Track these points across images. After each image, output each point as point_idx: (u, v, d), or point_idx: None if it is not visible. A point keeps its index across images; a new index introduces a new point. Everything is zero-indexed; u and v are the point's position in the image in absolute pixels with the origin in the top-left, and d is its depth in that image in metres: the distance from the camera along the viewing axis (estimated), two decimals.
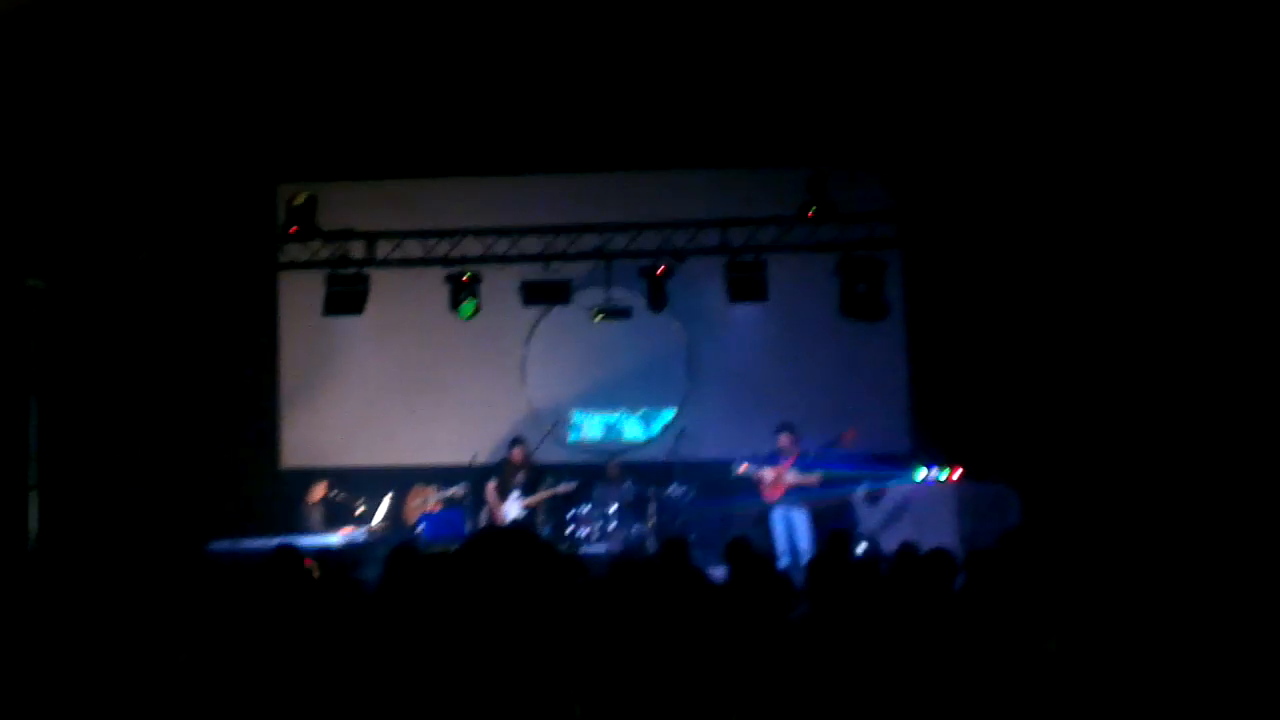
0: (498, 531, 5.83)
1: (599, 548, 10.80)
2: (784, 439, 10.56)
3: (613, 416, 12.48)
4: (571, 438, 12.38)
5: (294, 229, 10.99)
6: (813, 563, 4.77)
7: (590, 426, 12.47)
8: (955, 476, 10.41)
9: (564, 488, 11.12)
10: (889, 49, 10.55)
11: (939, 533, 9.29)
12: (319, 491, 11.06)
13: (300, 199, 10.85)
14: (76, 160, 10.59)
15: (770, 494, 10.54)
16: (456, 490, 11.33)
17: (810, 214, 10.49)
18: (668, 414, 12.35)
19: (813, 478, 10.40)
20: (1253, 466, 9.03)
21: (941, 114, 11.23)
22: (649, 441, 12.30)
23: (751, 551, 6.18)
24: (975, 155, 11.25)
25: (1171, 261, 10.07)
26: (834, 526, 9.76)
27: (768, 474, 10.52)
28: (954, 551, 5.49)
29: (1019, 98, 10.68)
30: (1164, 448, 9.82)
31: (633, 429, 12.47)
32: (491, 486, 11.21)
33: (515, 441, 11.34)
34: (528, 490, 11.11)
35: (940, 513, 10.03)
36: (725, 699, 3.11)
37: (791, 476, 10.43)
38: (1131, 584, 4.85)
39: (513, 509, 11.03)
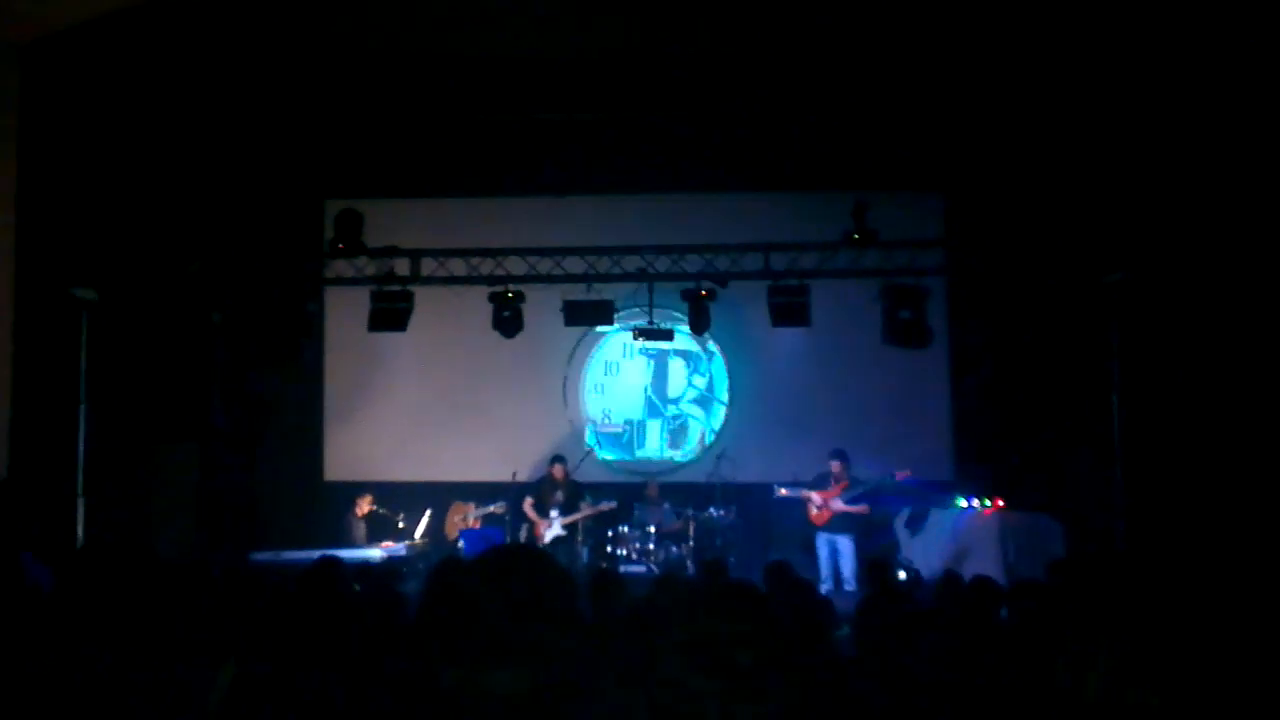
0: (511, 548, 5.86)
1: (638, 567, 10.81)
2: (835, 465, 10.53)
3: (624, 434, 12.54)
4: (608, 455, 12.45)
5: (341, 245, 11.11)
6: (861, 585, 4.75)
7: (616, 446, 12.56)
8: (996, 506, 10.33)
9: (605, 506, 11.14)
10: (933, 75, 10.55)
11: (981, 562, 9.23)
12: (364, 505, 11.14)
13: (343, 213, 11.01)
14: (129, 173, 10.77)
15: (817, 518, 10.51)
16: (497, 507, 11.37)
17: (855, 238, 10.45)
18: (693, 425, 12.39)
19: (861, 508, 10.37)
20: None
21: (988, 141, 11.21)
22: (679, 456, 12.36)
23: (791, 575, 6.15)
24: (1021, 183, 11.20)
25: (1218, 287, 9.95)
26: (875, 553, 9.74)
27: (815, 497, 10.50)
28: (997, 580, 5.45)
29: (1066, 126, 10.63)
30: (1214, 478, 9.67)
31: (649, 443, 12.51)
32: (529, 503, 11.24)
33: (556, 459, 11.38)
34: (567, 508, 11.14)
35: (983, 542, 9.95)
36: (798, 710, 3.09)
37: (839, 504, 10.40)
38: (1178, 619, 4.78)
39: (554, 527, 11.06)
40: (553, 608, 2.91)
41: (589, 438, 12.48)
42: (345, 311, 12.21)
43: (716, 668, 1.83)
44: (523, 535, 11.18)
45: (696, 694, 1.80)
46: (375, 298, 11.37)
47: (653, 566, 10.88)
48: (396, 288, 11.41)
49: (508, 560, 3.02)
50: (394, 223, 11.84)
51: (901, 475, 10.31)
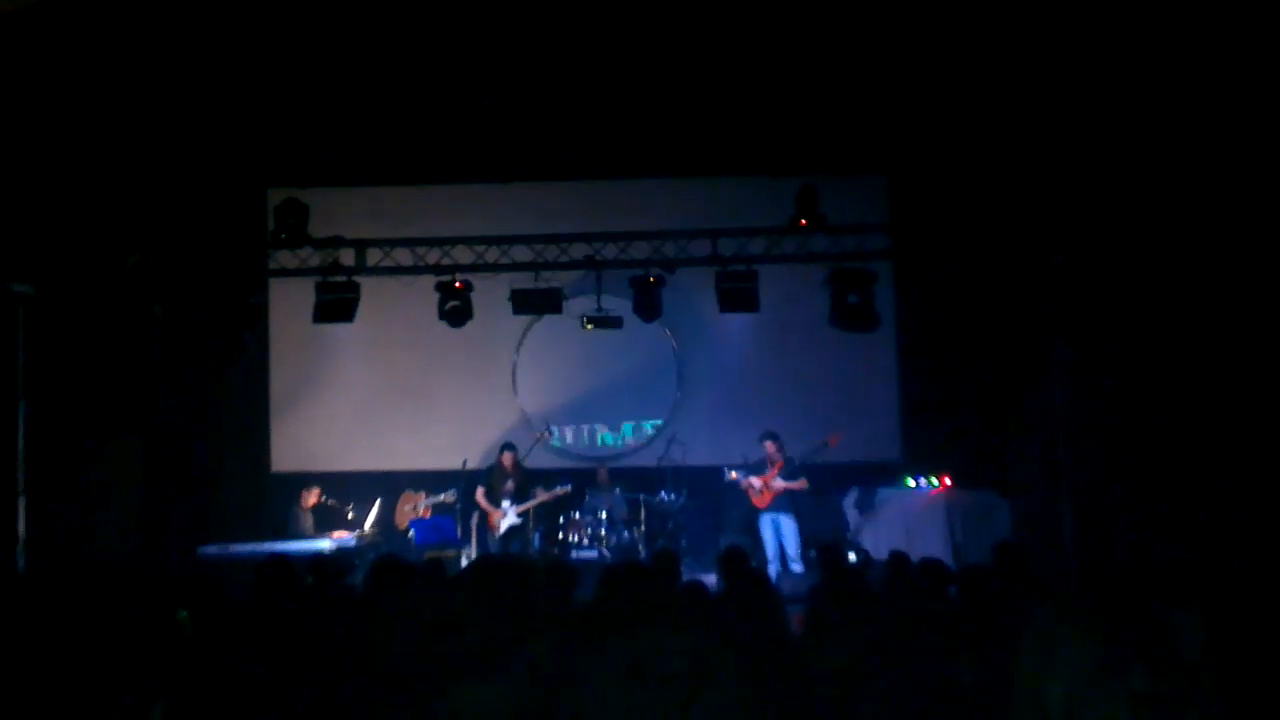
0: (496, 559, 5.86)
1: (590, 553, 10.84)
2: (769, 446, 10.63)
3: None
4: (554, 442, 12.45)
5: (284, 235, 10.97)
6: (809, 566, 4.79)
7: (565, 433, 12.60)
8: (944, 485, 10.47)
9: (560, 491, 11.15)
10: (881, 60, 10.60)
11: (929, 540, 9.37)
12: (311, 497, 11.05)
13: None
14: (65, 164, 10.55)
15: (759, 501, 10.60)
16: (447, 496, 11.33)
17: (802, 224, 10.51)
18: (646, 425, 12.47)
19: (800, 483, 10.47)
20: (1250, 476, 9.08)
21: (933, 125, 11.29)
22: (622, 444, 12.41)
23: (744, 562, 6.19)
24: (967, 167, 11.31)
25: (1161, 270, 10.12)
26: (825, 534, 9.85)
27: (755, 482, 10.59)
28: (944, 560, 5.53)
29: (1010, 109, 10.74)
30: (1152, 456, 9.86)
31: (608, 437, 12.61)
32: (481, 493, 11.22)
33: (505, 447, 11.36)
34: (519, 496, 11.12)
35: (930, 521, 10.09)
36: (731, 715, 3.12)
37: (779, 483, 10.49)
38: (1122, 589, 4.88)
39: (508, 516, 11.04)
40: (539, 623, 2.92)
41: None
42: (290, 303, 12.09)
43: (647, 681, 1.84)
44: (474, 524, 11.16)
45: (626, 709, 1.82)
46: (320, 289, 11.25)
47: (605, 552, 10.91)
48: (342, 279, 11.31)
49: (496, 574, 3.03)
50: (338, 212, 11.76)
51: (833, 440, 10.41)
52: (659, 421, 12.43)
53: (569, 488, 11.23)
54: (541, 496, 11.15)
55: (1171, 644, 1.72)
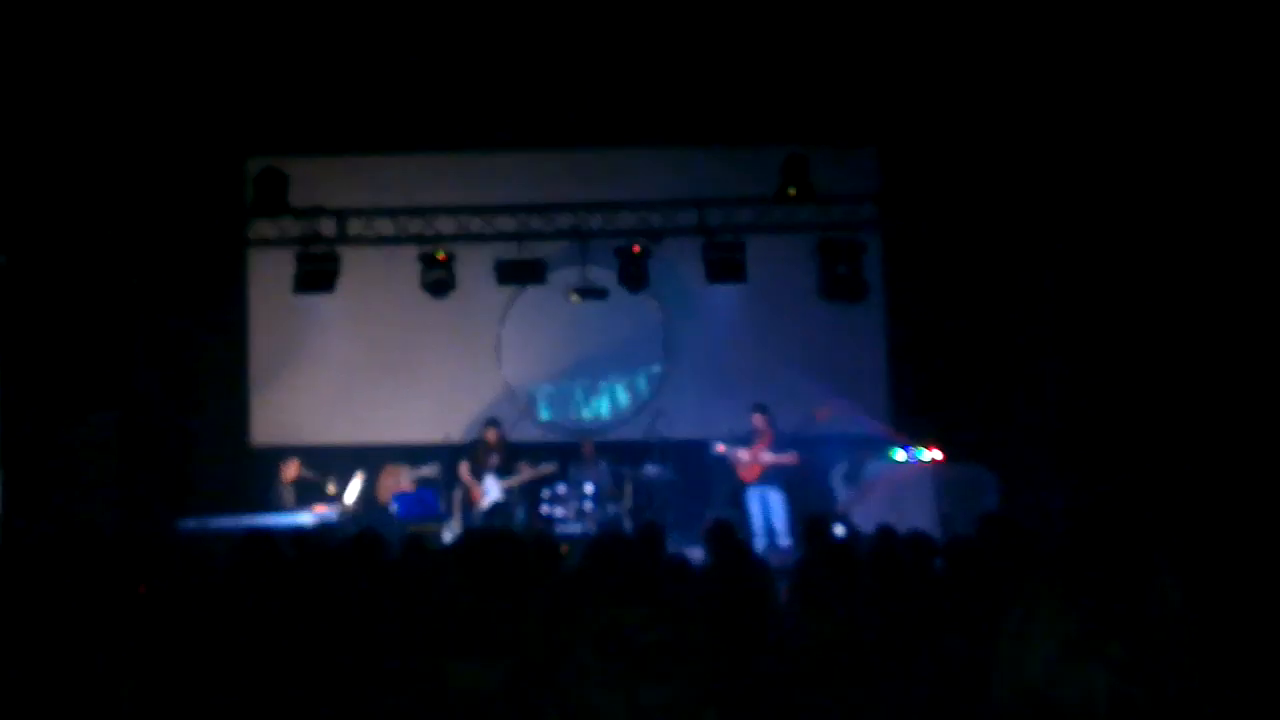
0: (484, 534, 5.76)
1: (574, 528, 10.74)
2: (758, 419, 10.52)
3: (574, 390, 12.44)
4: (543, 415, 12.32)
5: (264, 205, 10.84)
6: (797, 540, 4.70)
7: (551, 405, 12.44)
8: (932, 457, 10.40)
9: (545, 469, 11.02)
10: (871, 28, 10.45)
11: (916, 513, 9.29)
12: (292, 470, 10.91)
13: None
14: (40, 132, 10.35)
15: (746, 474, 10.51)
16: (429, 469, 11.20)
17: (791, 194, 10.39)
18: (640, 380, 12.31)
19: (789, 456, 10.37)
20: (1241, 455, 9.04)
21: (923, 95, 11.15)
22: (615, 414, 12.28)
23: (731, 535, 6.10)
24: (957, 137, 11.18)
25: (1151, 243, 10.05)
26: (812, 507, 9.76)
27: (743, 455, 10.49)
28: (932, 533, 5.46)
29: (999, 78, 10.61)
30: (1141, 432, 9.81)
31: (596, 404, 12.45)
32: (464, 467, 11.09)
33: (490, 423, 11.22)
34: (503, 471, 11.00)
35: (918, 494, 10.02)
36: (707, 686, 3.04)
37: (767, 457, 10.40)
38: (1108, 568, 4.81)
39: (492, 491, 10.92)
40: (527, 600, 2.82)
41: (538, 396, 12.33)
42: (270, 273, 11.93)
43: (622, 653, 1.77)
44: (457, 498, 11.05)
45: (602, 681, 1.74)
46: (301, 259, 11.15)
47: (590, 526, 10.80)
48: (322, 249, 11.19)
49: (484, 549, 2.92)
50: (319, 181, 11.61)
51: (822, 415, 10.34)
52: (655, 369, 12.27)
53: (555, 465, 11.11)
54: (525, 474, 11.02)
55: (1150, 611, 1.65)
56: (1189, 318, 9.72)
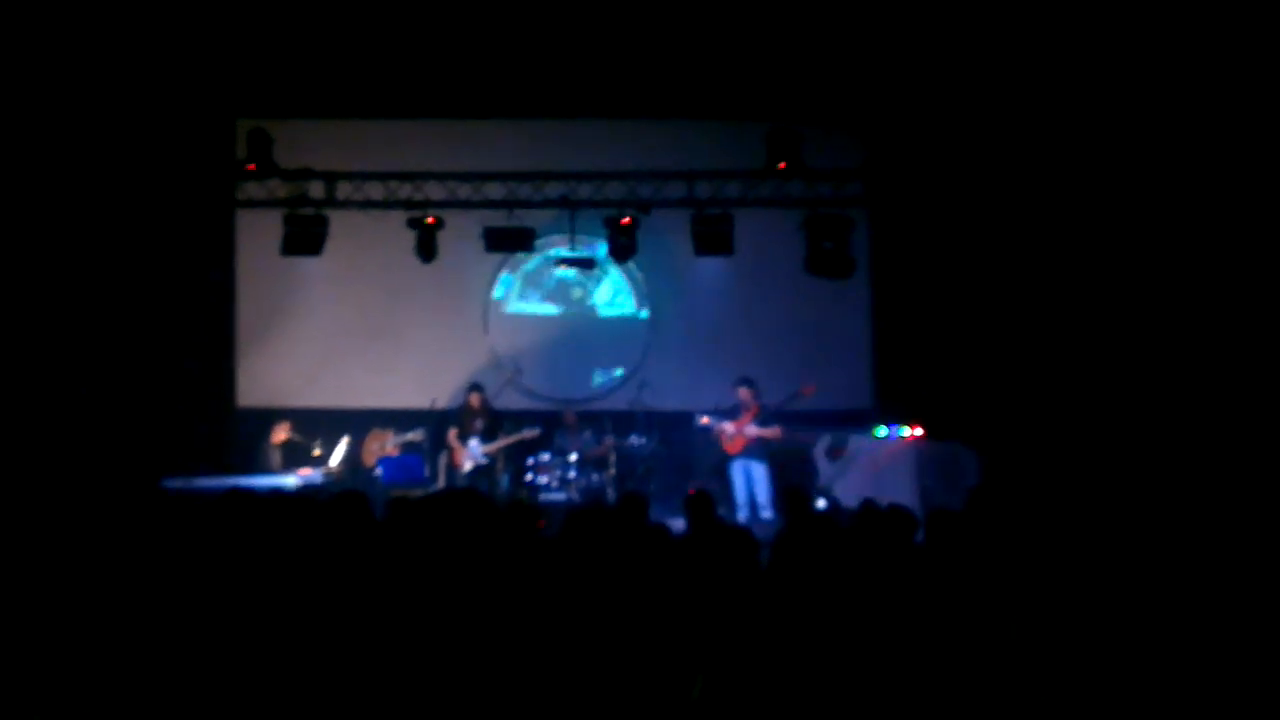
0: (449, 494, 5.79)
1: (558, 495, 10.80)
2: (744, 392, 10.55)
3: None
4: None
5: (252, 166, 10.81)
6: (778, 513, 4.76)
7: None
8: (915, 435, 10.46)
9: (528, 433, 11.05)
10: (861, 4, 10.43)
11: (897, 489, 9.36)
12: (282, 433, 10.92)
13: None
14: (26, 91, 10.27)
15: (731, 447, 10.55)
16: (415, 435, 11.23)
17: (781, 167, 10.40)
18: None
19: (774, 431, 10.41)
20: (1215, 429, 9.13)
21: (912, 72, 11.14)
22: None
23: (711, 505, 6.15)
24: (945, 115, 11.19)
25: (1133, 222, 10.10)
26: (794, 481, 9.82)
27: (728, 427, 10.53)
28: (913, 508, 5.51)
29: (987, 56, 10.61)
30: (1123, 412, 9.90)
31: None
32: (453, 433, 11.13)
33: (473, 387, 11.26)
34: (487, 436, 11.04)
35: (899, 470, 10.08)
36: (690, 653, 3.09)
37: (752, 430, 10.44)
38: (1087, 547, 4.88)
39: (474, 455, 10.96)
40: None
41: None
42: (258, 236, 11.93)
43: (608, 615, 1.83)
44: (442, 463, 11.08)
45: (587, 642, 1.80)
46: (289, 221, 11.14)
47: (573, 494, 10.86)
48: (311, 211, 11.18)
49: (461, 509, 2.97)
50: (309, 144, 11.60)
51: (808, 391, 10.38)
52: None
53: (538, 430, 11.15)
54: (508, 438, 11.06)
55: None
56: (1175, 297, 9.80)
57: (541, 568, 4.21)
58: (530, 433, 11.06)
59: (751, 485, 10.47)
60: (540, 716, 3.03)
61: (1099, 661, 3.38)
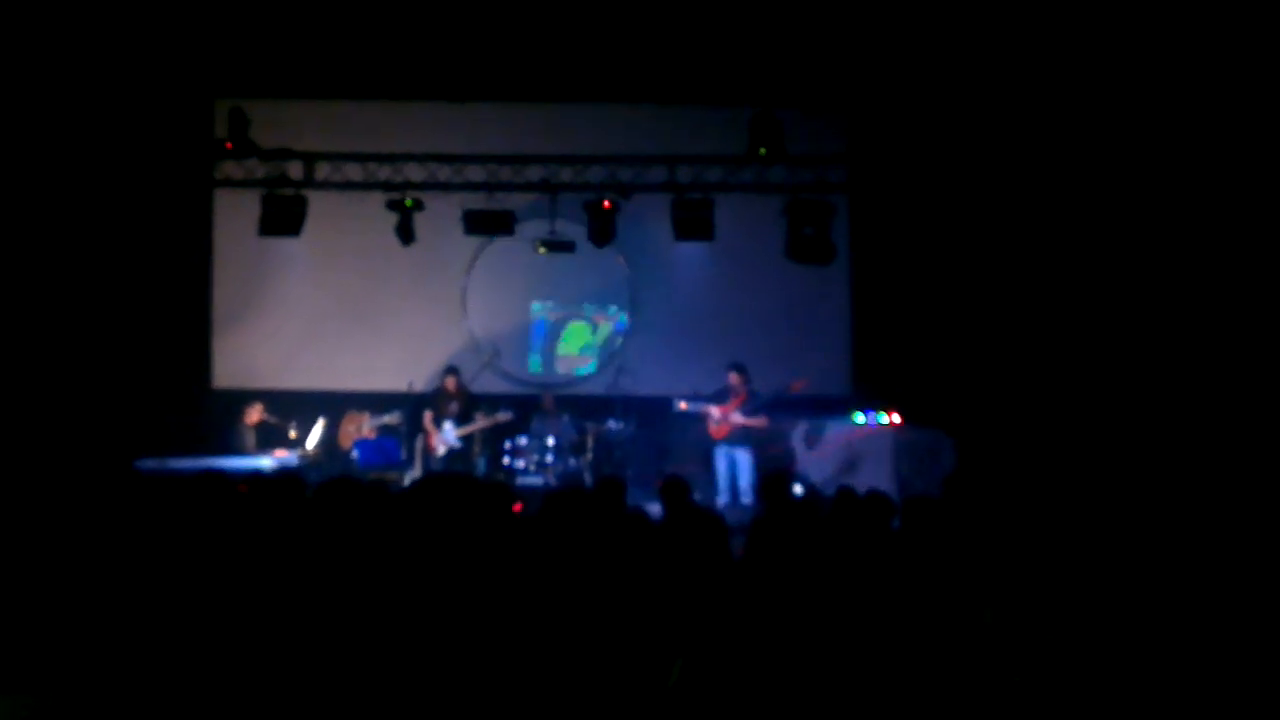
0: (438, 478, 5.77)
1: (535, 479, 10.78)
2: (734, 378, 10.52)
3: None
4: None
5: (230, 145, 10.72)
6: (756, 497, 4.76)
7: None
8: (893, 421, 10.49)
9: (501, 416, 11.02)
10: None
11: (875, 476, 9.39)
12: (255, 414, 10.86)
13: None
14: (4, 71, 10.15)
15: (716, 432, 10.54)
16: (391, 417, 11.19)
17: (762, 153, 10.38)
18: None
19: (760, 420, 10.40)
20: (1192, 416, 9.20)
21: (894, 58, 11.15)
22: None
23: (685, 490, 6.14)
24: (926, 102, 11.19)
25: (1112, 214, 10.14)
26: (773, 467, 9.83)
27: (714, 411, 10.49)
28: (890, 494, 5.52)
29: (968, 43, 10.62)
30: (1100, 400, 9.96)
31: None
32: (429, 416, 11.09)
33: (449, 371, 11.20)
34: (461, 420, 11.00)
35: (877, 456, 10.11)
36: (666, 637, 3.09)
37: (738, 417, 10.43)
38: (1062, 533, 4.91)
39: (449, 438, 10.93)
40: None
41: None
42: (235, 216, 11.83)
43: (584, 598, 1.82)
44: (419, 446, 11.04)
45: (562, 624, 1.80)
46: (267, 200, 11.06)
47: (551, 479, 10.85)
48: (289, 192, 11.11)
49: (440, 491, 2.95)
50: (288, 124, 11.53)
51: (798, 385, 10.38)
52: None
53: (511, 414, 11.10)
54: (481, 422, 11.02)
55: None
56: (1152, 290, 9.85)
57: (518, 549, 4.20)
58: (504, 416, 11.03)
59: (735, 471, 10.46)
60: (516, 698, 3.03)
61: (1072, 645, 3.39)
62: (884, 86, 11.41)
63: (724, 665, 3.09)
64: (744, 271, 11.91)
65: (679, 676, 2.94)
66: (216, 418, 11.54)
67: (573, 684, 2.99)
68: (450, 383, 11.09)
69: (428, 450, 10.95)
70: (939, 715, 3.06)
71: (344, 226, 11.70)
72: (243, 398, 11.19)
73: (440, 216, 11.24)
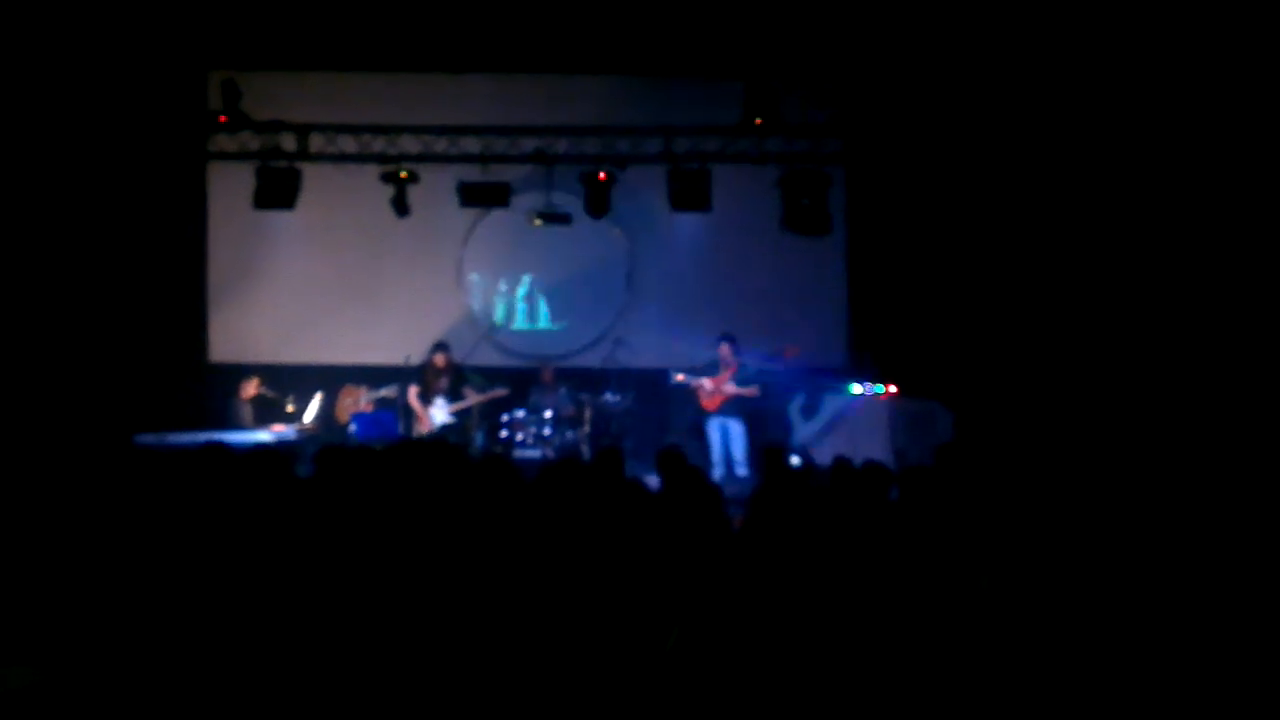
0: (418, 443, 5.77)
1: (533, 453, 10.78)
2: (724, 349, 10.55)
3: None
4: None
5: (223, 118, 10.68)
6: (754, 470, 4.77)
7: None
8: (890, 392, 10.51)
9: (495, 392, 11.00)
10: None
11: (871, 446, 9.41)
12: (251, 388, 10.85)
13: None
14: None
15: (709, 404, 10.56)
16: (388, 391, 11.17)
17: (758, 124, 10.35)
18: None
19: (752, 390, 10.42)
20: (1188, 389, 9.22)
21: (890, 27, 11.09)
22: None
23: (682, 461, 6.15)
24: (922, 72, 11.14)
25: (1109, 183, 10.13)
26: (769, 438, 9.86)
27: (706, 384, 10.52)
28: (886, 464, 5.54)
29: (965, 14, 10.56)
30: (1095, 371, 9.97)
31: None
32: (413, 391, 11.01)
33: (438, 346, 11.14)
34: (452, 395, 10.97)
35: (873, 426, 10.14)
36: (663, 607, 3.10)
37: (730, 388, 10.45)
38: (1057, 501, 4.93)
39: (439, 415, 10.90)
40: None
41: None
42: (229, 188, 11.76)
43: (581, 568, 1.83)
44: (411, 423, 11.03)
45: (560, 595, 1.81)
46: (261, 173, 11.02)
47: (548, 452, 10.86)
48: (283, 164, 11.06)
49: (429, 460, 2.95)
50: (282, 96, 11.47)
51: (790, 353, 10.40)
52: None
53: (505, 390, 11.07)
54: (474, 398, 11.00)
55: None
56: (1149, 260, 9.85)
57: (517, 519, 4.21)
58: (497, 392, 11.01)
59: (728, 442, 10.49)
60: (514, 668, 3.04)
61: (1068, 616, 3.42)
62: (879, 56, 11.35)
63: (723, 634, 3.11)
64: (741, 243, 11.89)
65: (675, 643, 2.96)
66: (213, 392, 11.54)
67: (572, 652, 3.01)
68: (440, 359, 11.03)
69: (419, 427, 10.90)
70: (938, 684, 3.08)
71: (339, 199, 11.65)
72: (239, 372, 11.20)
73: (436, 189, 11.20)
